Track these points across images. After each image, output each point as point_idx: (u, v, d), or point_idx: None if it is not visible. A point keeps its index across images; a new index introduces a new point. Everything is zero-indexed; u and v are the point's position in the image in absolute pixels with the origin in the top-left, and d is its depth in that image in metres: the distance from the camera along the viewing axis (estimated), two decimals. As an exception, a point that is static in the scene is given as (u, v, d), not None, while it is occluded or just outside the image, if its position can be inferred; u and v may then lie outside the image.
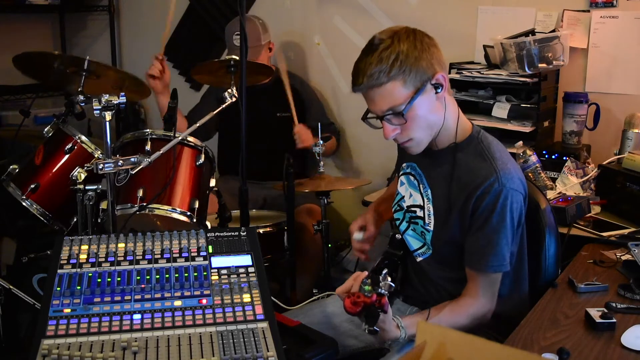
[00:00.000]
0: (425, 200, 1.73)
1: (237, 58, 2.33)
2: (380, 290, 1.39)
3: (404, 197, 1.83)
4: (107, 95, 1.73)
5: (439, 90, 1.60)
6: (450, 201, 1.66)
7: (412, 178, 1.80)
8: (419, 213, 1.75)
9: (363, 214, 2.04)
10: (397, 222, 1.86)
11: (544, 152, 2.58)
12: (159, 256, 1.48)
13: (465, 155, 1.67)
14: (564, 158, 2.50)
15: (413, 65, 1.56)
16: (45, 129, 2.33)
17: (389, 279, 1.40)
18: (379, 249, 1.99)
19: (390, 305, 1.53)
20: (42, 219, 2.26)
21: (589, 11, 2.70)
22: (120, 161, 1.76)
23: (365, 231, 1.97)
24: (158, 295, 1.37)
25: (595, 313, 1.49)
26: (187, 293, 1.38)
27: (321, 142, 2.66)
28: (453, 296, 1.72)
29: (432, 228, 1.71)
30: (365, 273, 1.49)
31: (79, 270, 1.42)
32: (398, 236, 1.85)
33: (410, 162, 1.82)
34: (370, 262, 2.03)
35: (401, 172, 1.87)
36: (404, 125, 1.61)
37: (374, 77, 1.56)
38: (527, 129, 2.60)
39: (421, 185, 1.76)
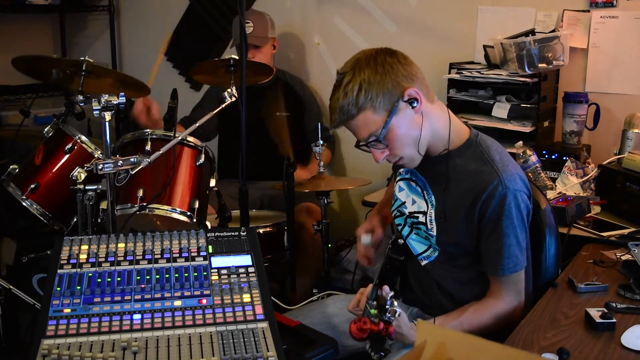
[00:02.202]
0: (429, 206, 1.73)
1: (237, 57, 2.33)
2: (387, 317, 1.39)
3: (404, 202, 1.82)
4: (107, 95, 1.73)
5: (415, 105, 1.60)
6: (453, 207, 1.66)
7: (413, 184, 1.80)
8: (422, 219, 1.75)
9: (368, 218, 2.04)
10: (399, 227, 1.85)
11: (544, 152, 2.58)
12: (159, 256, 1.47)
13: (465, 160, 1.66)
14: (564, 158, 2.50)
15: (378, 90, 1.57)
16: (45, 129, 2.33)
17: (396, 303, 1.41)
18: (379, 251, 1.99)
19: None
20: (42, 219, 2.26)
21: (589, 11, 2.70)
22: (120, 161, 1.76)
23: (373, 234, 1.97)
24: (158, 295, 1.37)
25: (595, 313, 1.49)
26: (187, 293, 1.38)
27: (321, 142, 2.67)
28: (455, 300, 1.72)
29: (434, 233, 1.71)
30: (370, 287, 1.50)
31: (79, 270, 1.42)
32: (400, 241, 1.83)
33: (409, 168, 1.82)
34: (372, 267, 2.03)
35: (399, 177, 1.86)
36: (389, 147, 1.63)
37: (343, 112, 1.59)
38: (527, 129, 2.60)
39: (425, 192, 1.75)
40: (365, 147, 1.65)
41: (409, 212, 1.80)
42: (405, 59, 1.64)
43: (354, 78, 1.58)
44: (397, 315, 1.41)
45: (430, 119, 1.65)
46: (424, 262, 1.78)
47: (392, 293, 1.42)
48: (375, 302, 1.42)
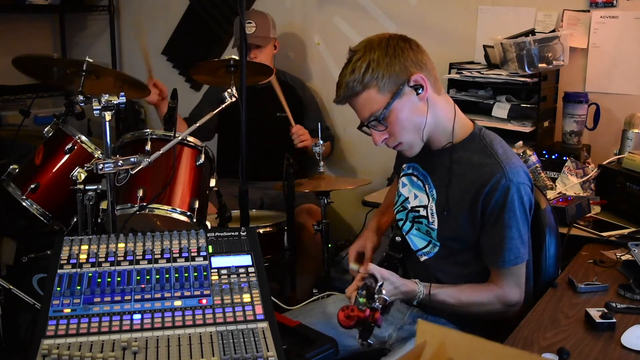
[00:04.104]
0: (430, 199, 1.73)
1: (237, 58, 2.33)
2: (374, 304, 1.39)
3: (407, 198, 1.82)
4: (107, 95, 1.72)
5: (420, 91, 1.61)
6: (455, 200, 1.66)
7: (415, 179, 1.80)
8: (423, 212, 1.75)
9: (363, 235, 1.99)
10: (400, 223, 1.85)
11: (544, 152, 2.58)
12: (159, 256, 1.47)
13: (468, 153, 1.67)
14: (564, 158, 2.50)
15: (385, 70, 1.58)
16: (45, 129, 2.33)
17: (384, 291, 1.42)
18: (379, 248, 1.98)
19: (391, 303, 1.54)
20: (42, 219, 2.26)
21: (589, 11, 2.70)
22: (120, 161, 1.76)
23: (362, 264, 1.89)
24: (158, 295, 1.37)
25: (595, 313, 1.49)
26: (187, 293, 1.38)
27: (321, 142, 2.67)
28: None
29: (436, 227, 1.71)
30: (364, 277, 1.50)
31: (79, 270, 1.42)
32: (398, 238, 1.84)
33: (411, 163, 1.82)
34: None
35: (402, 174, 1.87)
36: (390, 130, 1.64)
37: (349, 87, 1.61)
38: (527, 129, 2.60)
39: (426, 186, 1.75)
40: (366, 128, 1.66)
41: (411, 207, 1.80)
42: (418, 46, 1.66)
43: (364, 56, 1.60)
44: (385, 302, 1.42)
45: (435, 109, 1.65)
46: (423, 258, 1.78)
47: (381, 282, 1.43)
48: (365, 292, 1.44)
